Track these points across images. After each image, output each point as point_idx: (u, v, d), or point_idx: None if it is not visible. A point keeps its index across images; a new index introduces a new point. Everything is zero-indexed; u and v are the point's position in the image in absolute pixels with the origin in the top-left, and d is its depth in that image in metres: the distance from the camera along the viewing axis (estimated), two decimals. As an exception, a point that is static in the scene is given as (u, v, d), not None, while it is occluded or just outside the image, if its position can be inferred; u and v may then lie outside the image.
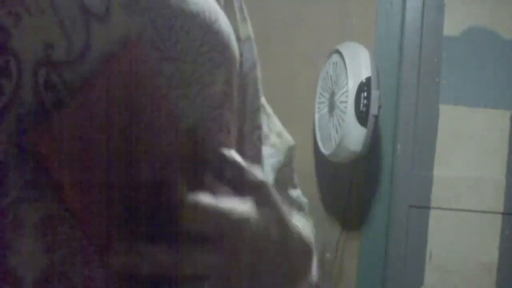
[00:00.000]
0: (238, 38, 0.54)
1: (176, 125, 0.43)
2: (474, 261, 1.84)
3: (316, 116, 1.77)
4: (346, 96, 1.58)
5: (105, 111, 0.40)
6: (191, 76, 0.44)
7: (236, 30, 0.53)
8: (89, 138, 0.39)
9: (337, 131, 1.62)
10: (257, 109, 0.57)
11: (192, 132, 0.45)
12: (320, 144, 1.73)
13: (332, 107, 1.66)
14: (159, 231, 0.41)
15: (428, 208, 1.84)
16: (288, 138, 0.62)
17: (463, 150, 1.84)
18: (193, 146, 0.45)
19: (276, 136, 0.60)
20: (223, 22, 0.48)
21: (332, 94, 1.67)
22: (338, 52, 1.66)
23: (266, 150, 0.58)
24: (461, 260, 1.84)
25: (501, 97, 1.83)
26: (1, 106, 0.37)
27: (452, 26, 1.83)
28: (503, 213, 1.83)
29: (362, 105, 1.56)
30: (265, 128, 0.59)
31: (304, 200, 0.62)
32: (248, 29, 0.57)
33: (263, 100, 0.59)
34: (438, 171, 1.84)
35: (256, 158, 0.55)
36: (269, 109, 0.62)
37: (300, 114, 1.81)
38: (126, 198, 0.40)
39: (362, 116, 1.57)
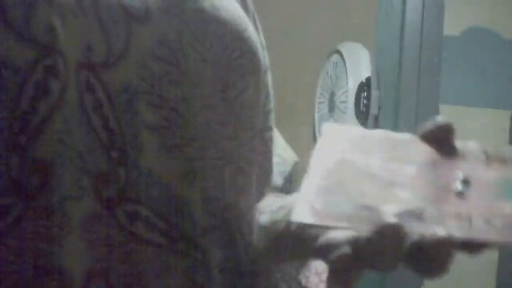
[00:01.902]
0: None
1: (221, 130, 0.45)
2: (474, 261, 1.84)
3: (316, 116, 1.77)
4: (346, 96, 1.58)
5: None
6: (228, 80, 0.45)
7: None
8: None
9: (337, 131, 1.62)
10: (269, 111, 0.57)
11: (233, 139, 0.46)
12: (320, 144, 1.73)
13: (332, 107, 1.66)
14: None
15: (428, 208, 1.84)
16: (293, 154, 0.63)
17: (463, 150, 1.84)
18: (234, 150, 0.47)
19: (281, 148, 0.61)
20: (251, 31, 0.50)
21: (332, 94, 1.67)
22: (338, 52, 1.66)
23: (274, 158, 0.59)
24: (461, 260, 1.84)
25: (501, 97, 1.83)
26: (50, 105, 0.38)
27: (452, 26, 1.82)
28: (503, 213, 1.83)
29: (362, 105, 1.56)
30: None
31: None
32: (261, 38, 0.59)
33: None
34: (438, 171, 1.84)
35: (267, 157, 0.56)
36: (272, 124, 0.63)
37: (300, 114, 1.81)
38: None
39: (362, 116, 1.57)
